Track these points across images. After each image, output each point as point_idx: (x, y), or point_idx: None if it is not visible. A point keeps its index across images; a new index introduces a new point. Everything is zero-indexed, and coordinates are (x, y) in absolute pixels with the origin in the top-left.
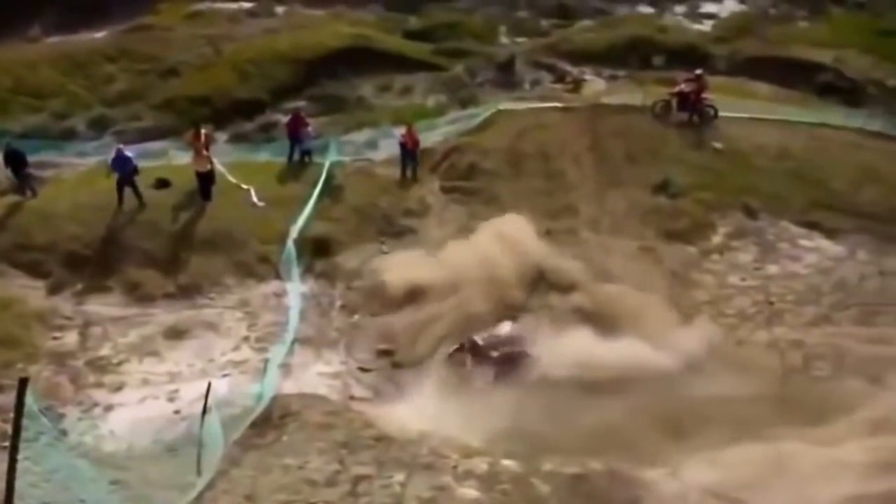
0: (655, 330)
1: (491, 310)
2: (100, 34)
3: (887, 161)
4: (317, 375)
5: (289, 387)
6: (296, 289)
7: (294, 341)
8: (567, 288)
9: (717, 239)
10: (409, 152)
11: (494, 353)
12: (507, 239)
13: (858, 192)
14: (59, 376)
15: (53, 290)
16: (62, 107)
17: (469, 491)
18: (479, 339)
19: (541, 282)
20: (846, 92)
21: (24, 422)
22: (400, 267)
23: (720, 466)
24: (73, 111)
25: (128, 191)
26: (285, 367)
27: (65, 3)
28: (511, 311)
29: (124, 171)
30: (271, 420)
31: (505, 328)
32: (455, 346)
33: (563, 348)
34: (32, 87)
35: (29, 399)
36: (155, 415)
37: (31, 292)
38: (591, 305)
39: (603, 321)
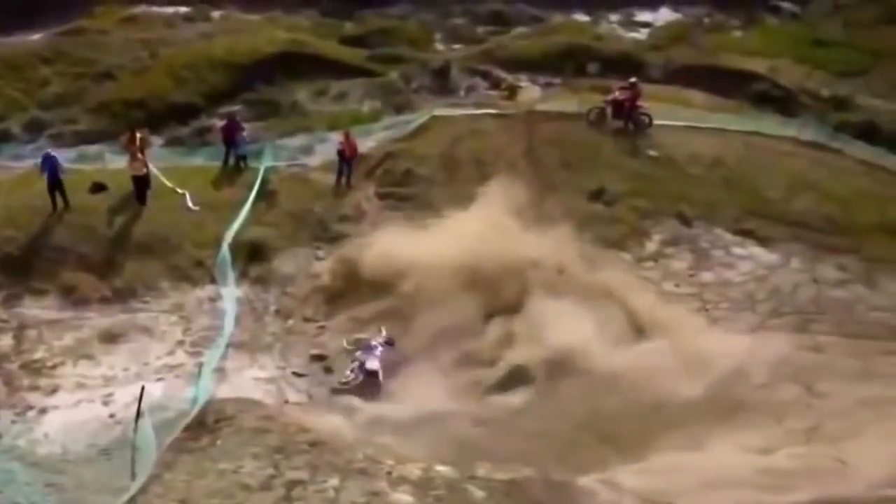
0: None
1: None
2: (35, 37)
3: (820, 170)
4: (252, 380)
5: (224, 391)
6: (230, 293)
7: (229, 346)
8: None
9: (651, 246)
10: (347, 160)
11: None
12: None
13: (792, 200)
14: None
15: None
16: None
17: (403, 496)
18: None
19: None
20: (780, 101)
21: None
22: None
23: (654, 473)
24: (8, 114)
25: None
26: (220, 372)
27: None
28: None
29: (52, 170)
30: (206, 424)
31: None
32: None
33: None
34: None
35: None
36: (89, 418)
37: None
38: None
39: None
